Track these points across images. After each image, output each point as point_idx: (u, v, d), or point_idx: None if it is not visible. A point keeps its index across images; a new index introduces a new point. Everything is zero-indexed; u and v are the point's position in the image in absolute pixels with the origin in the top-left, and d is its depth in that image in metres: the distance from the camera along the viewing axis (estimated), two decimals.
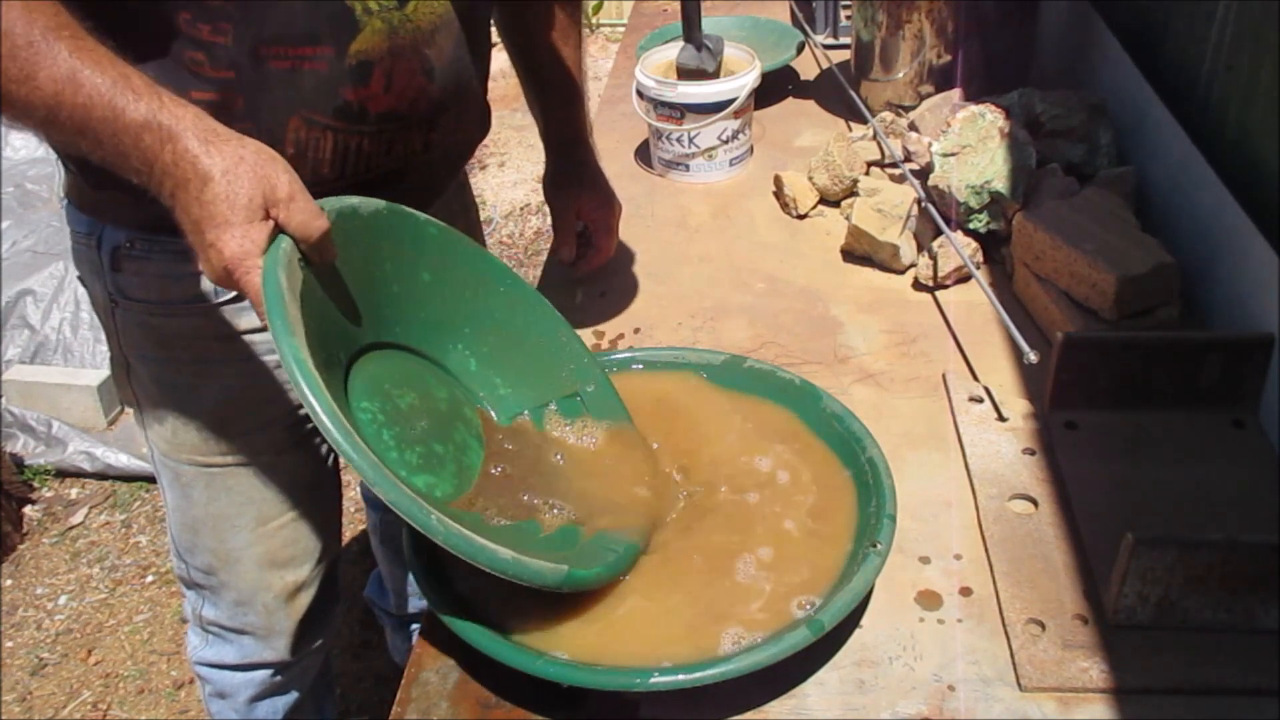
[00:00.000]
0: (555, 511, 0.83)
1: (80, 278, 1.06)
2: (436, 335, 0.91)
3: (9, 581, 2.12)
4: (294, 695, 1.30)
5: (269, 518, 1.12)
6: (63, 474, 2.34)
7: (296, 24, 0.86)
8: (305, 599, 1.19)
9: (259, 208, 0.73)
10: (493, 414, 0.92)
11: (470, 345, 0.92)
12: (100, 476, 2.33)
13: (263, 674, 1.24)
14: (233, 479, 1.09)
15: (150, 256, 0.98)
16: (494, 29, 1.14)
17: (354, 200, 0.83)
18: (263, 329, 1.01)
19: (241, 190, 0.73)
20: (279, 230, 0.75)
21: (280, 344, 0.69)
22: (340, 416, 0.68)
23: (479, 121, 1.11)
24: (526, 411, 0.92)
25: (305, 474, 1.14)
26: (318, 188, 0.96)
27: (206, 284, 0.99)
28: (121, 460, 2.29)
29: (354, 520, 2.14)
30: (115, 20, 0.78)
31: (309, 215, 0.75)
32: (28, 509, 2.27)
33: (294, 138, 0.91)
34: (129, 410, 2.45)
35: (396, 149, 0.98)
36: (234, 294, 0.99)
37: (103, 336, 2.39)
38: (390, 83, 0.93)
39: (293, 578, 1.16)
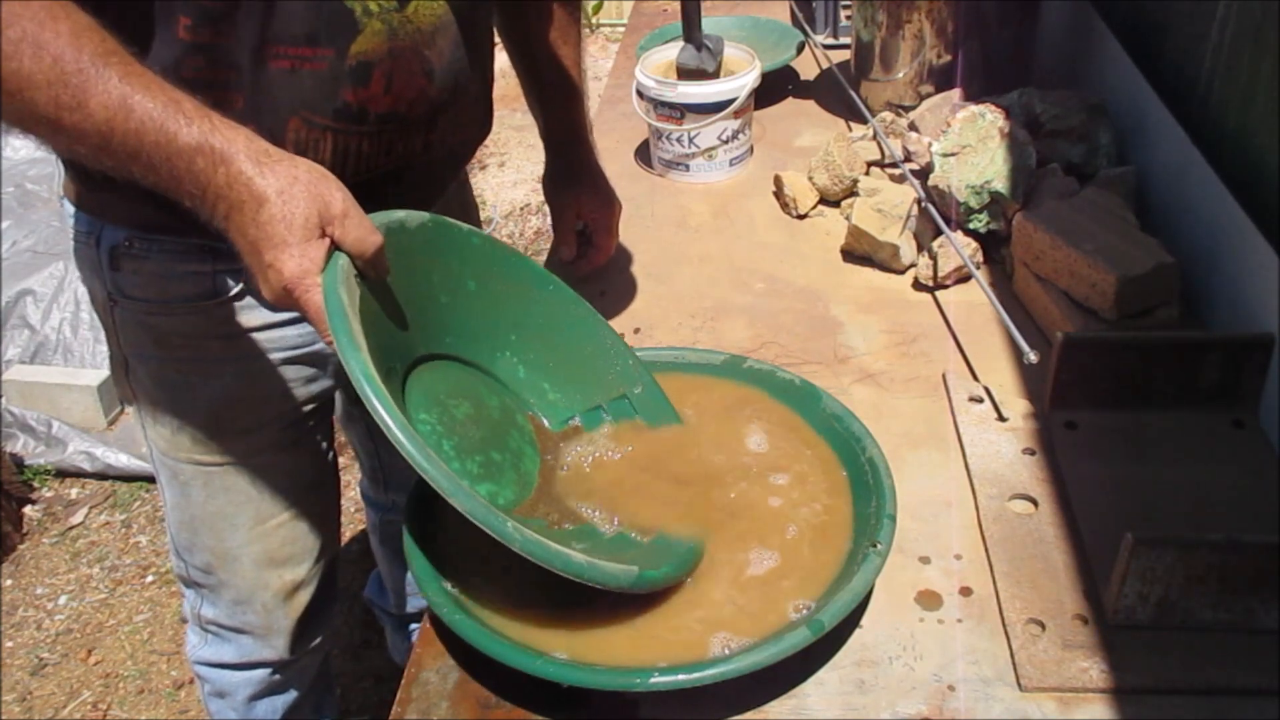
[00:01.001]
0: (609, 519, 0.84)
1: (81, 276, 1.06)
2: (484, 343, 0.92)
3: (9, 581, 2.12)
4: (293, 694, 1.30)
5: (267, 516, 1.12)
6: (63, 474, 2.34)
7: (296, 25, 0.86)
8: (304, 597, 1.19)
9: (315, 226, 0.74)
10: (544, 420, 0.92)
11: (517, 352, 0.93)
12: (100, 476, 2.33)
13: (261, 673, 1.24)
14: (231, 477, 1.09)
15: (149, 255, 0.98)
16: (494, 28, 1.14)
17: (400, 214, 0.84)
18: (262, 328, 1.02)
19: (298, 210, 0.73)
20: (335, 247, 0.75)
21: (348, 360, 0.69)
22: (413, 431, 0.69)
23: (479, 121, 1.11)
24: (577, 416, 0.93)
25: (303, 472, 1.14)
26: None
27: (205, 283, 0.99)
28: (121, 460, 2.29)
29: (353, 520, 2.14)
30: (116, 26, 0.78)
31: (364, 231, 0.76)
32: (28, 509, 2.27)
33: (294, 138, 0.91)
34: (129, 410, 2.46)
35: (396, 150, 0.98)
36: (233, 293, 0.99)
37: (103, 336, 2.38)
38: (390, 84, 0.93)
39: (291, 576, 1.17)
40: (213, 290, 0.99)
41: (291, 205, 0.73)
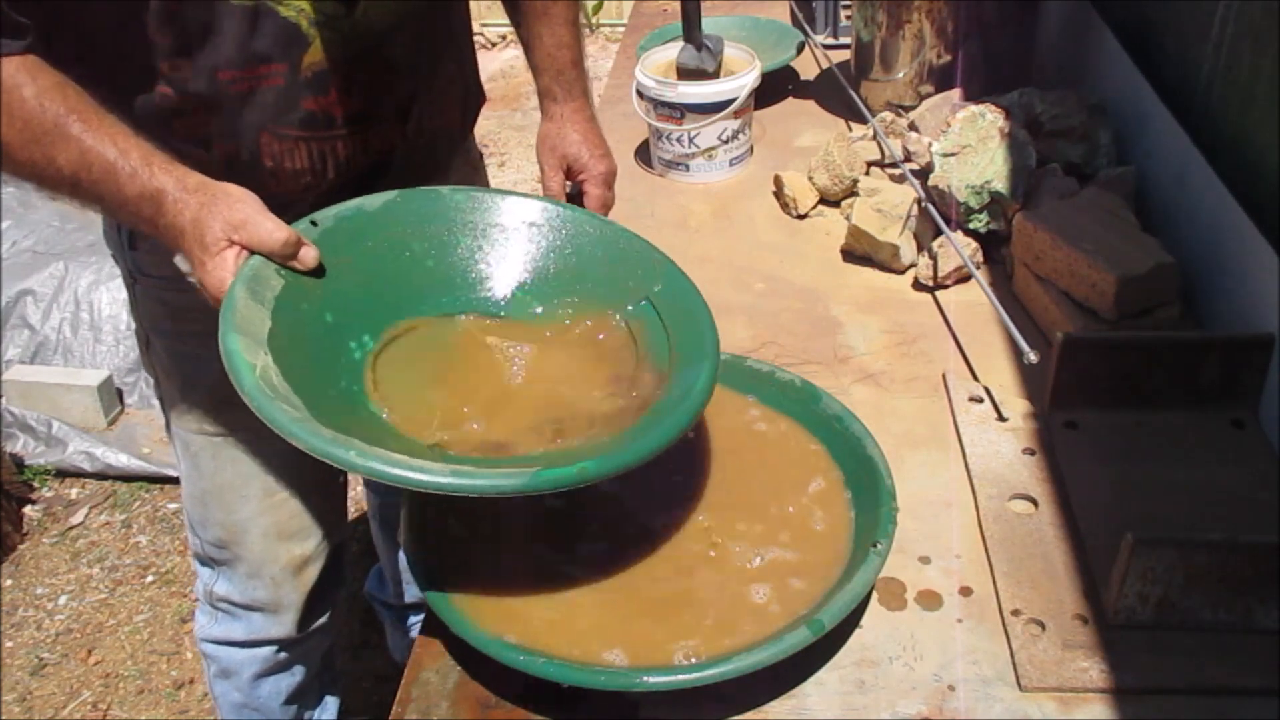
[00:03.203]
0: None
1: (112, 255, 1.12)
2: (493, 289, 0.93)
3: (9, 581, 2.12)
4: (297, 678, 1.33)
5: (275, 489, 1.15)
6: (63, 474, 2.34)
7: (246, 47, 0.90)
8: (312, 573, 1.22)
9: (221, 239, 0.81)
10: None
11: (531, 291, 0.93)
12: (100, 476, 2.33)
13: (268, 650, 1.27)
14: (238, 449, 1.12)
15: None
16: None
17: (358, 200, 0.90)
18: None
19: (206, 232, 0.81)
20: (250, 252, 0.82)
21: (222, 338, 0.75)
22: (259, 383, 0.73)
23: (462, 100, 1.12)
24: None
25: None
26: (306, 194, 1.00)
27: None
28: (121, 460, 2.29)
29: (354, 520, 2.14)
30: (101, 67, 0.85)
31: (264, 232, 0.81)
32: (28, 509, 2.27)
33: (268, 151, 0.95)
34: (129, 410, 2.47)
35: (373, 146, 1.00)
36: None
37: (102, 336, 2.42)
38: (351, 86, 0.96)
39: (300, 550, 1.20)
40: None
41: (200, 229, 0.81)
